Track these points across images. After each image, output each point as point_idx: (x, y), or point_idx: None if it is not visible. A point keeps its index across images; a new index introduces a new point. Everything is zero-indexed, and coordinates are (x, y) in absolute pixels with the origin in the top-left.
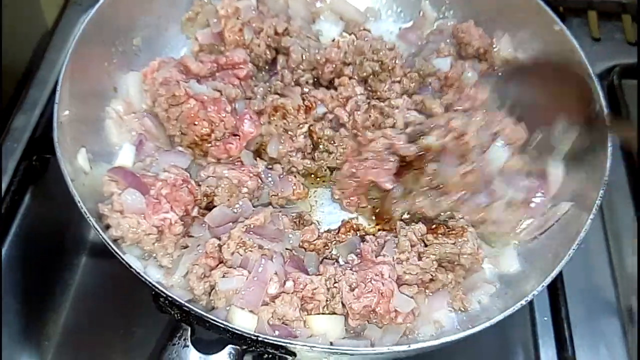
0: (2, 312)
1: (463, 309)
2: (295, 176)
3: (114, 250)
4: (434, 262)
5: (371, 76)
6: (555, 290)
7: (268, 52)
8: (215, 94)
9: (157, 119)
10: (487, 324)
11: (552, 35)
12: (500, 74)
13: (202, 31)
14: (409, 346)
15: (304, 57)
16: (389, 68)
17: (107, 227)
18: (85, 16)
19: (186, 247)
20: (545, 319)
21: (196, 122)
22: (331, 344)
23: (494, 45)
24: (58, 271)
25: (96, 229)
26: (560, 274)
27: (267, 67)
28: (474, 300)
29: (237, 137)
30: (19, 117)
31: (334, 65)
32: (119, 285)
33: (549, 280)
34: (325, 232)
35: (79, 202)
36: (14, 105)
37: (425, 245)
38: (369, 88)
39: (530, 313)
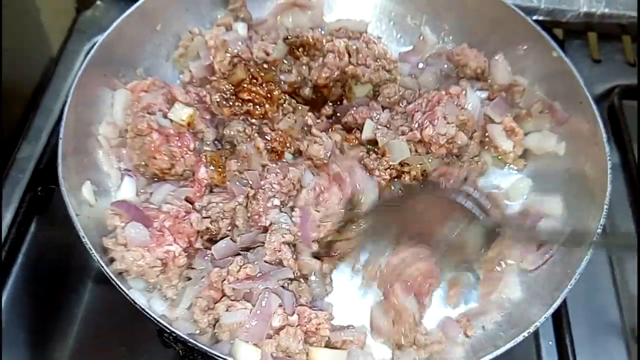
0: (2, 341)
1: (467, 335)
2: None
3: (118, 286)
4: None
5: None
6: (559, 315)
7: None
8: (181, 129)
9: None
10: (494, 354)
11: (551, 60)
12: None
13: (194, 63)
14: None
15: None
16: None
17: (111, 260)
18: (90, 45)
19: (190, 279)
20: (550, 343)
21: (156, 156)
22: None
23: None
24: (64, 300)
25: (100, 264)
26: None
27: None
28: (478, 326)
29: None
30: (24, 147)
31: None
32: (125, 314)
33: (551, 310)
34: None
35: (83, 237)
36: (19, 134)
37: None
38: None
39: (535, 338)
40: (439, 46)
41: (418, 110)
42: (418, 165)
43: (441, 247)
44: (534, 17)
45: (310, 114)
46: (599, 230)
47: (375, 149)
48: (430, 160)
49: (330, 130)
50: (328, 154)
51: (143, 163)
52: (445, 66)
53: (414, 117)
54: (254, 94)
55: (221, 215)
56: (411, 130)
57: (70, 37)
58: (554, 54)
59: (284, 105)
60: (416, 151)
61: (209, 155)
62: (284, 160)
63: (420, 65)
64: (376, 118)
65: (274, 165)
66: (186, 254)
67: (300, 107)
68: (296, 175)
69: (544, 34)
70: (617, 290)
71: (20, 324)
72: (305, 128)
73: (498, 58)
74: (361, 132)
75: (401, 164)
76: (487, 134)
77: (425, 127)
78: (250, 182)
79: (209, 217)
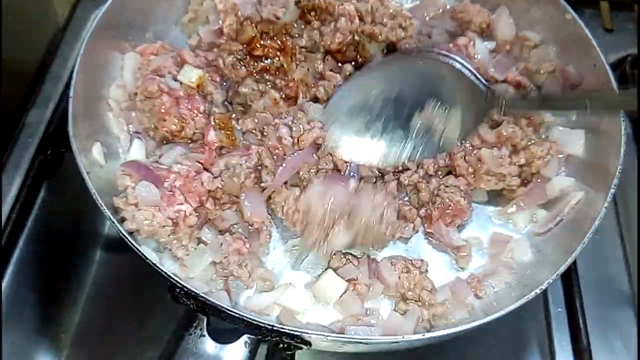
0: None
1: (477, 297)
2: None
3: (131, 243)
4: None
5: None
6: (569, 281)
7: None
8: (190, 91)
9: None
10: (501, 313)
11: (564, 22)
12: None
13: (203, 28)
14: (424, 335)
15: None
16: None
17: (122, 220)
18: (98, 11)
19: (200, 240)
20: (560, 310)
21: (166, 118)
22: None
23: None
24: (73, 265)
25: (113, 221)
26: (574, 265)
27: None
28: (488, 286)
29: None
30: (33, 112)
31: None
32: (134, 278)
33: (563, 269)
34: None
35: (94, 194)
36: (27, 101)
37: None
38: None
39: (544, 304)
40: (443, 2)
41: None
42: None
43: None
44: None
45: (321, 61)
46: (612, 193)
47: None
48: None
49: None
50: None
51: (153, 126)
52: (450, 25)
53: None
54: (267, 49)
55: (247, 173)
56: None
57: (78, 4)
58: (567, 16)
59: (297, 55)
60: None
61: (218, 117)
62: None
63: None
64: None
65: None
66: (197, 213)
67: (312, 55)
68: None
69: None
70: (626, 260)
71: (30, 289)
72: (317, 76)
73: (501, 10)
74: None
75: None
76: None
77: None
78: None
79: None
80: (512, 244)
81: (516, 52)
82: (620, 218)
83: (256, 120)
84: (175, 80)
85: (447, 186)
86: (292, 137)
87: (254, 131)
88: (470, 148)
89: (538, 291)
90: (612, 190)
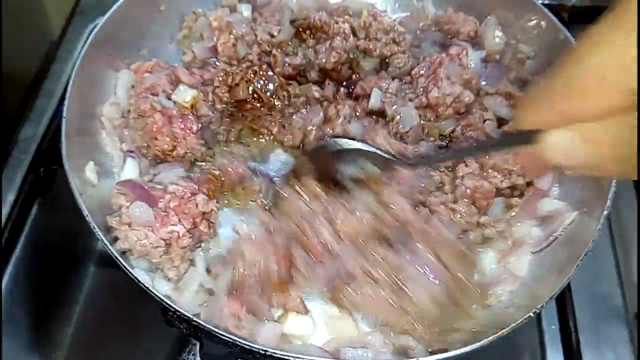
0: (2, 323)
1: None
2: None
3: (123, 265)
4: None
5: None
6: (563, 298)
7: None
8: (184, 111)
9: None
10: (495, 336)
11: (558, 43)
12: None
13: (197, 45)
14: (417, 359)
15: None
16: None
17: (115, 239)
18: (92, 25)
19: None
20: (553, 327)
21: (158, 137)
22: None
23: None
24: (66, 282)
25: (104, 242)
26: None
27: None
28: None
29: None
30: (26, 128)
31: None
32: (127, 295)
33: (557, 292)
34: None
35: (87, 216)
36: (21, 116)
37: None
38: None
39: (537, 321)
40: (432, 13)
41: (421, 74)
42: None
43: None
44: (540, 1)
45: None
46: (606, 213)
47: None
48: (443, 123)
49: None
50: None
51: (145, 144)
52: (439, 36)
53: (418, 83)
54: (258, 109)
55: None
56: (417, 96)
57: (72, 19)
58: (561, 37)
59: (291, 101)
60: (426, 116)
61: (208, 188)
62: None
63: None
64: (385, 88)
65: None
66: (190, 234)
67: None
68: None
69: (551, 15)
70: (620, 276)
71: (23, 306)
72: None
73: (489, 20)
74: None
75: None
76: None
77: (430, 90)
78: None
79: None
80: (512, 256)
81: (506, 60)
82: (613, 233)
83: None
84: (169, 99)
85: (462, 176)
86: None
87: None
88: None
89: (532, 315)
90: (605, 213)
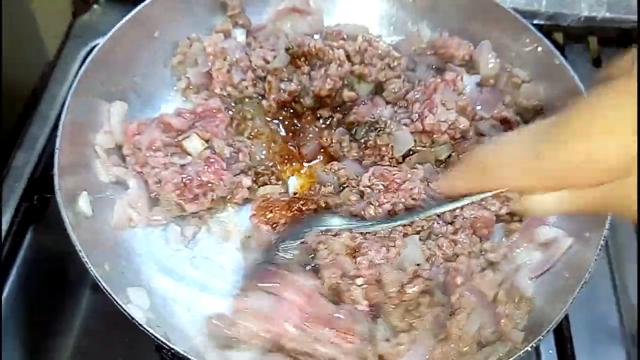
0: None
1: None
2: None
3: (117, 302)
4: None
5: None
6: (560, 324)
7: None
8: (205, 154)
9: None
10: None
11: (551, 67)
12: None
13: (192, 70)
14: None
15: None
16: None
17: None
18: (86, 50)
19: None
20: (551, 352)
21: (196, 193)
22: None
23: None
24: (61, 310)
25: (96, 277)
26: None
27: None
28: None
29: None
30: (19, 155)
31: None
32: (123, 324)
33: (553, 325)
34: None
35: (80, 251)
36: (14, 141)
37: None
38: None
39: (535, 347)
40: (428, 37)
41: (416, 99)
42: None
43: None
44: (535, 21)
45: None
46: (602, 241)
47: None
48: (439, 148)
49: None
50: None
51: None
52: (434, 59)
53: (413, 108)
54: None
55: None
56: (412, 122)
57: (66, 42)
58: (556, 62)
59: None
60: (421, 141)
61: None
62: None
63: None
64: (378, 114)
65: None
66: None
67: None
68: None
69: (546, 41)
70: (617, 297)
71: (18, 334)
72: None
73: (483, 46)
74: None
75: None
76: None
77: (426, 117)
78: None
79: None
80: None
81: (501, 85)
82: (610, 256)
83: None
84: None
85: (461, 207)
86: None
87: None
88: None
89: (529, 348)
90: (602, 242)
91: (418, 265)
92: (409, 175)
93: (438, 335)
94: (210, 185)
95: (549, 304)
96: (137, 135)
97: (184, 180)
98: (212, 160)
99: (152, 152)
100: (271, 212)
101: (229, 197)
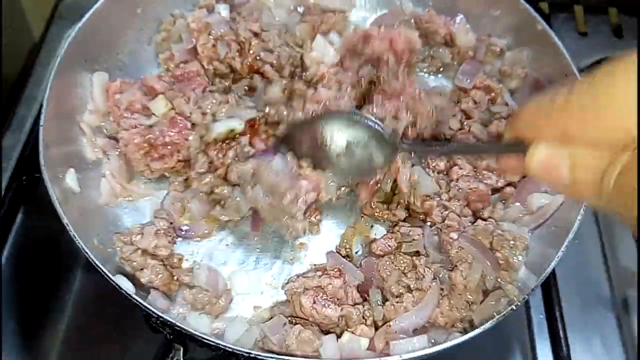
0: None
1: None
2: None
3: (105, 274)
4: None
5: None
6: (549, 287)
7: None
8: (171, 114)
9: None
10: (481, 329)
11: (535, 33)
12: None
13: (176, 46)
14: (401, 356)
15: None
16: None
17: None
18: (70, 32)
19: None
20: (541, 316)
21: (160, 153)
22: None
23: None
24: (53, 288)
25: (85, 251)
26: (552, 271)
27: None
28: None
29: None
30: (7, 136)
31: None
32: (114, 300)
33: (542, 279)
34: None
35: (67, 225)
36: (2, 123)
37: None
38: None
39: (526, 311)
40: (410, 11)
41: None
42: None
43: None
44: None
45: None
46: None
47: None
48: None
49: None
50: None
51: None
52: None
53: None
54: None
55: None
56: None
57: (51, 23)
58: (539, 27)
59: None
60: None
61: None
62: None
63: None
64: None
65: None
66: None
67: None
68: None
69: (528, 7)
70: (606, 264)
71: (10, 314)
72: None
73: (459, 20)
74: None
75: None
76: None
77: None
78: None
79: None
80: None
81: (481, 56)
82: (600, 222)
83: None
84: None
85: (457, 179)
86: None
87: None
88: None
89: (514, 307)
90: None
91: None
92: None
93: (442, 292)
94: (175, 144)
95: (538, 260)
96: (118, 94)
97: (149, 139)
98: (176, 120)
99: (129, 114)
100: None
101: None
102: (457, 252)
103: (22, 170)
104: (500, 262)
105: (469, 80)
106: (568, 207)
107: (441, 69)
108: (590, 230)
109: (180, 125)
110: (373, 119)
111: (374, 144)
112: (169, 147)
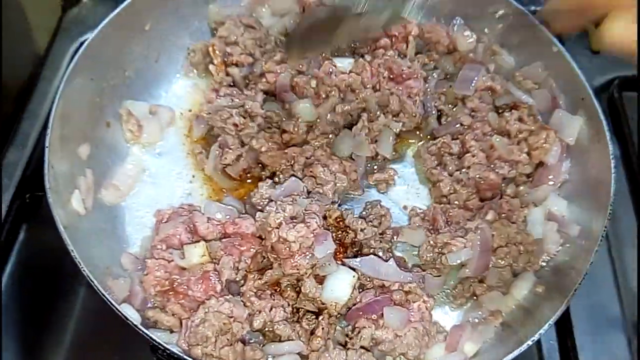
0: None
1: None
2: None
3: (110, 303)
4: None
5: None
6: (563, 319)
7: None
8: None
9: None
10: None
11: (550, 55)
12: None
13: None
14: None
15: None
16: None
17: None
18: (76, 45)
19: None
20: (552, 342)
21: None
22: None
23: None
24: (55, 307)
25: (89, 277)
26: None
27: None
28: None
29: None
30: (11, 152)
31: None
32: (117, 321)
33: (554, 319)
34: None
35: (72, 251)
36: (5, 139)
37: None
38: None
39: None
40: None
41: None
42: None
43: None
44: (532, 8)
45: None
46: (603, 233)
47: None
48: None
49: None
50: None
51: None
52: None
53: None
54: None
55: None
56: None
57: (56, 37)
58: (554, 49)
59: None
60: None
61: None
62: None
63: None
64: None
65: None
66: None
67: None
68: None
69: (543, 29)
70: (617, 286)
71: (12, 332)
72: None
73: (457, 24)
74: None
75: None
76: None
77: None
78: None
79: None
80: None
81: (480, 56)
82: (610, 242)
83: None
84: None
85: (469, 166)
86: None
87: None
88: (482, 135)
89: (530, 342)
90: (603, 233)
91: None
92: None
93: None
94: (196, 301)
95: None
96: (164, 222)
97: (173, 280)
98: (209, 277)
99: (163, 246)
100: None
101: None
102: None
103: (25, 188)
104: None
105: (471, 86)
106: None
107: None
108: (601, 253)
109: (211, 283)
110: None
111: None
112: (187, 301)
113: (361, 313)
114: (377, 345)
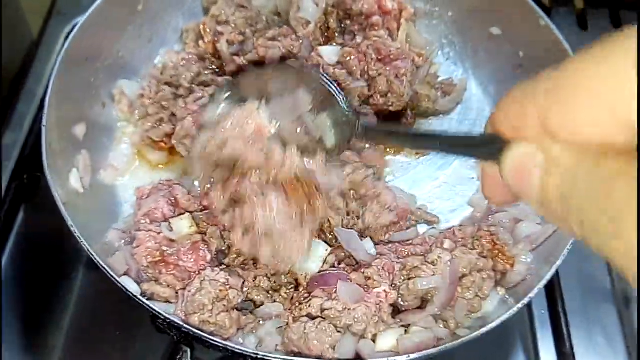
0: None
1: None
2: None
3: (111, 275)
4: None
5: None
6: (551, 283)
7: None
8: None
9: None
10: (484, 330)
11: (538, 29)
12: None
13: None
14: (409, 356)
15: None
16: None
17: None
18: (70, 27)
19: None
20: (543, 312)
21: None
22: None
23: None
24: (56, 287)
25: (90, 252)
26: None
27: None
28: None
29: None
30: (7, 134)
31: None
32: (118, 299)
33: (543, 282)
34: None
35: (72, 226)
36: (2, 120)
37: None
38: None
39: (527, 308)
40: None
41: None
42: None
43: None
44: None
45: None
46: None
47: None
48: None
49: None
50: None
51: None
52: None
53: None
54: None
55: None
56: None
57: (49, 19)
58: (542, 23)
59: None
60: None
61: None
62: None
63: None
64: None
65: None
66: None
67: None
68: None
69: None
70: None
71: (13, 313)
72: None
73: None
74: None
75: None
76: None
77: None
78: None
79: None
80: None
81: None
82: None
83: None
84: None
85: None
86: None
87: None
88: None
89: (520, 305)
90: None
91: None
92: None
93: None
94: (188, 272)
95: (540, 261)
96: (145, 198)
97: (163, 251)
98: (198, 248)
99: (147, 220)
100: None
101: None
102: None
103: (23, 169)
104: None
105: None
106: None
107: None
108: None
109: (201, 255)
110: (328, 78)
111: (327, 113)
112: (179, 272)
113: (316, 284)
114: (322, 313)
